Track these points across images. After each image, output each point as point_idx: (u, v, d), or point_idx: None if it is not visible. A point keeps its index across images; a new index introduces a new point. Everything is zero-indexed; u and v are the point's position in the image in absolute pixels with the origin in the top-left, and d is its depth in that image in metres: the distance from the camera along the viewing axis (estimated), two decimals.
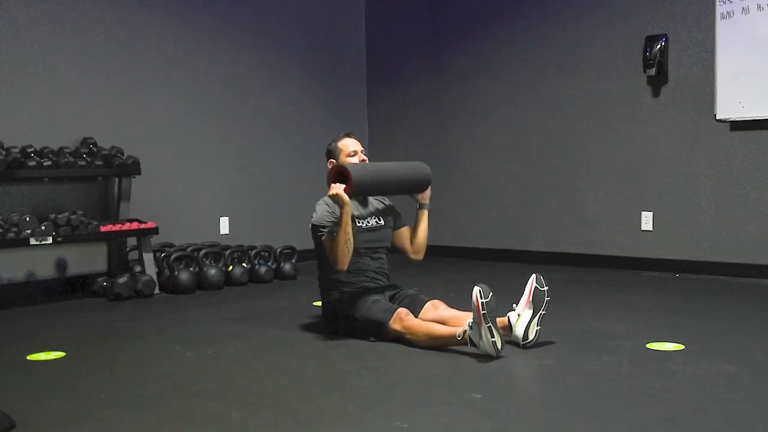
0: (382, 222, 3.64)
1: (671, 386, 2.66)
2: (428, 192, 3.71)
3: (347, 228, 3.32)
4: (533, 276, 3.18)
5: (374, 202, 3.69)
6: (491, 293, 2.97)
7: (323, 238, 3.41)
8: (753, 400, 2.50)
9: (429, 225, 3.74)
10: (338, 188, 3.30)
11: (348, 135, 3.69)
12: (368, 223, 3.58)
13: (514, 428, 2.30)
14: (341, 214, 3.30)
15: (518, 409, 2.49)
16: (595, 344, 3.27)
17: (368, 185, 3.45)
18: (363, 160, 3.61)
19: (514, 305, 3.21)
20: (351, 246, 3.35)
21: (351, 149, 3.60)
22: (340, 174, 3.36)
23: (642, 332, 3.46)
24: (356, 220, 3.52)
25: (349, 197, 3.31)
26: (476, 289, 2.96)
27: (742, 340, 3.33)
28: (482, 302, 2.93)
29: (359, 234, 3.50)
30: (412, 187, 3.67)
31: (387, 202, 3.77)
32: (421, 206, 3.70)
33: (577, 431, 2.26)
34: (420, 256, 3.74)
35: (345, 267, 3.38)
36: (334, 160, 3.61)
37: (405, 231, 3.74)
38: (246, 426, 2.35)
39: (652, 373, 2.81)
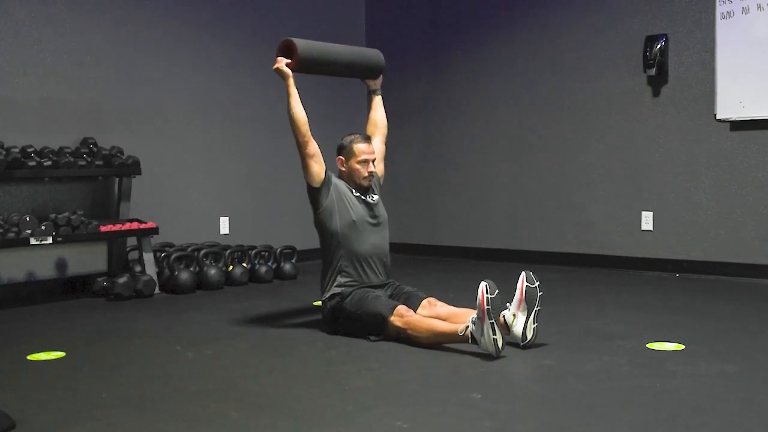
0: (377, 197, 3.71)
1: (671, 386, 2.66)
2: (379, 79, 3.90)
3: (294, 94, 3.51)
4: (522, 274, 3.18)
5: (372, 202, 3.70)
6: (497, 290, 2.98)
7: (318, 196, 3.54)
8: (753, 400, 2.50)
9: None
10: (282, 62, 3.53)
11: (367, 140, 3.69)
12: (372, 198, 3.66)
13: (514, 428, 2.30)
14: (286, 86, 3.51)
15: (518, 409, 2.49)
16: (595, 344, 3.27)
17: (316, 61, 3.58)
18: (371, 173, 3.63)
19: (508, 305, 3.20)
20: (302, 112, 3.54)
21: (363, 157, 3.61)
22: (288, 48, 3.46)
23: (642, 332, 3.46)
24: (369, 217, 3.59)
25: (294, 71, 3.52)
26: (483, 285, 2.97)
27: (742, 340, 3.33)
28: (488, 297, 2.93)
29: (368, 233, 3.56)
30: (364, 71, 3.78)
31: (376, 197, 3.78)
32: (374, 92, 3.93)
33: (577, 431, 2.26)
34: (385, 131, 3.93)
35: (304, 129, 3.54)
36: (343, 159, 3.63)
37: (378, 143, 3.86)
38: (246, 426, 2.35)
39: (652, 373, 2.81)
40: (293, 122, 3.54)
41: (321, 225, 3.59)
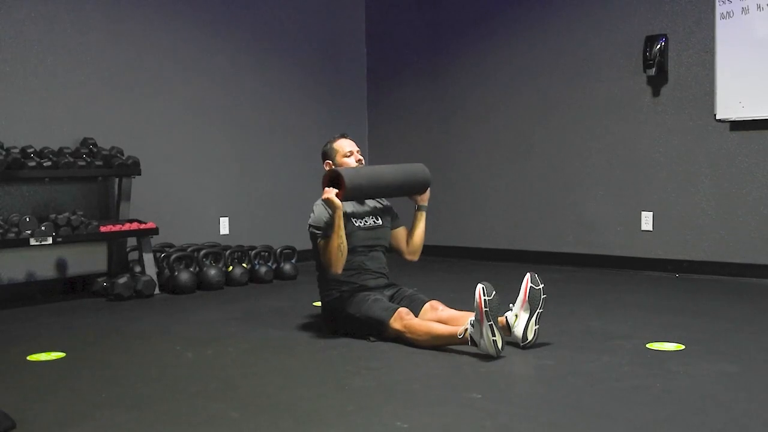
0: (380, 221, 3.64)
1: (671, 386, 2.66)
2: (427, 194, 3.70)
3: (340, 232, 3.33)
4: (528, 275, 3.18)
5: (372, 202, 3.69)
6: (494, 292, 2.97)
7: (318, 240, 3.42)
8: (753, 400, 2.50)
9: (428, 225, 3.74)
10: (331, 193, 3.31)
11: (343, 136, 3.70)
12: (366, 222, 3.58)
13: (514, 428, 2.30)
14: (333, 218, 3.32)
15: (518, 409, 2.49)
16: (595, 344, 3.27)
17: (363, 189, 3.44)
18: (359, 161, 3.62)
19: (510, 305, 3.21)
20: (344, 250, 3.36)
21: (347, 149, 3.61)
22: (334, 178, 3.36)
23: (642, 332, 3.46)
24: (353, 220, 3.53)
25: (343, 201, 3.33)
26: (479, 287, 2.96)
27: (742, 340, 3.33)
28: (485, 299, 2.93)
29: (357, 232, 3.51)
30: (410, 190, 3.66)
31: (385, 202, 3.77)
32: (419, 208, 3.70)
33: (578, 431, 2.26)
34: (416, 257, 3.75)
35: (339, 270, 3.38)
36: (330, 162, 3.61)
37: (402, 231, 3.74)
38: (246, 426, 2.35)
39: (652, 374, 2.81)
40: (333, 258, 3.34)
41: (316, 247, 3.51)
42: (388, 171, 3.61)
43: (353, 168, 3.51)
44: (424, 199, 3.71)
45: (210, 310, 4.32)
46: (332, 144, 3.65)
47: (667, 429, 2.25)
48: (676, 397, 2.54)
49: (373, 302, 3.38)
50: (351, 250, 3.46)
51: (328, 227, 3.36)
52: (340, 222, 3.32)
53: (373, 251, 3.58)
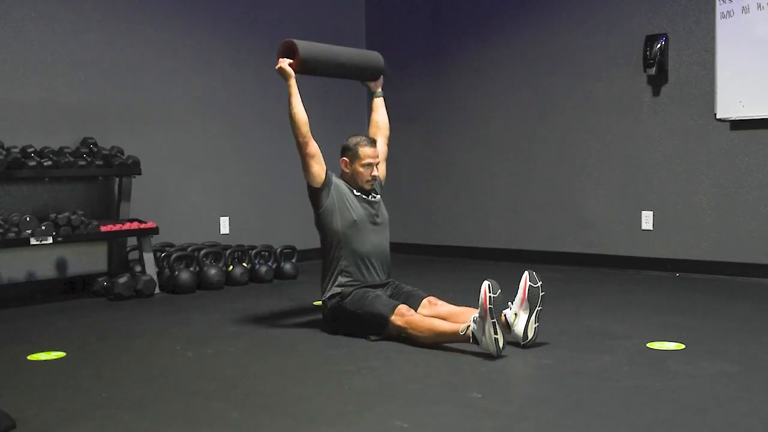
0: (378, 196, 3.71)
1: (672, 386, 2.66)
2: (380, 80, 3.94)
3: (295, 93, 3.52)
4: (526, 273, 3.18)
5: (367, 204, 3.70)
6: (500, 290, 2.98)
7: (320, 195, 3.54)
8: (754, 399, 2.50)
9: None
10: (283, 62, 3.55)
11: (372, 144, 3.67)
12: (373, 197, 3.66)
13: (514, 428, 2.30)
14: (288, 86, 3.52)
15: (518, 408, 2.49)
16: (595, 344, 3.27)
17: (317, 62, 3.62)
18: (374, 176, 3.63)
19: (509, 304, 3.21)
20: (303, 113, 3.54)
21: (367, 161, 3.60)
22: (290, 49, 3.53)
23: (642, 332, 3.45)
24: (369, 218, 3.59)
25: (296, 72, 3.53)
26: (485, 284, 2.97)
27: (742, 340, 3.33)
28: (490, 296, 2.94)
29: (370, 232, 3.57)
30: (364, 72, 3.85)
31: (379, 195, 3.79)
32: (374, 93, 3.96)
33: (578, 431, 2.26)
34: (387, 132, 3.94)
35: (304, 130, 3.53)
36: (347, 159, 3.62)
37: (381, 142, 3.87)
38: (246, 425, 2.35)
39: (652, 373, 2.81)
40: (294, 122, 3.55)
41: (322, 225, 3.59)
42: (344, 50, 3.83)
43: (309, 42, 3.65)
44: (378, 85, 3.95)
45: (210, 309, 4.32)
46: (357, 147, 3.62)
47: (667, 429, 2.25)
48: (676, 397, 2.54)
49: (374, 299, 3.39)
50: (362, 248, 3.53)
51: (289, 96, 3.51)
52: (293, 90, 3.52)
53: (379, 251, 3.60)
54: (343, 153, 3.66)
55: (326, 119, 6.52)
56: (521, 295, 3.16)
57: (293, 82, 3.54)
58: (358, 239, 3.53)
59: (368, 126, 3.98)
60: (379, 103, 3.97)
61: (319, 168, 3.54)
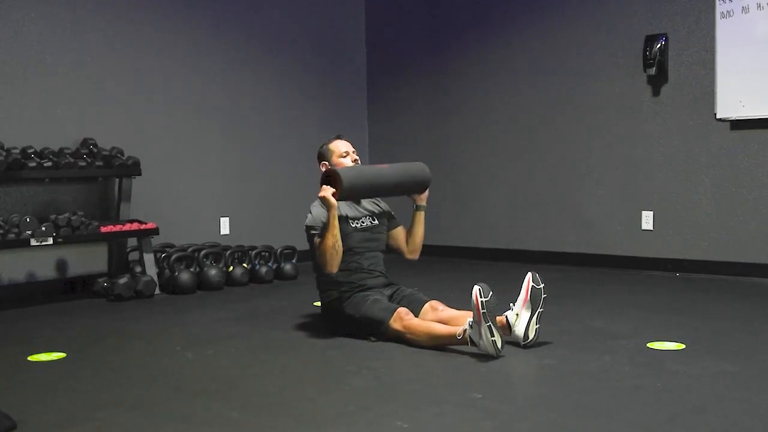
0: (377, 222, 3.65)
1: (672, 386, 2.66)
2: (426, 194, 3.70)
3: (335, 231, 3.32)
4: (529, 274, 3.18)
5: (368, 204, 3.69)
6: (491, 292, 2.98)
7: (315, 239, 3.42)
8: (754, 399, 2.50)
9: (429, 224, 3.74)
10: (326, 191, 3.31)
11: (338, 137, 3.71)
12: (362, 223, 3.59)
13: (514, 428, 2.30)
14: (328, 217, 3.31)
15: (519, 408, 2.49)
16: (595, 344, 3.27)
17: (360, 189, 3.42)
18: (355, 161, 3.64)
19: (511, 304, 3.21)
20: (339, 249, 3.35)
21: (342, 150, 3.62)
22: (331, 177, 3.36)
23: (643, 332, 3.45)
24: (350, 221, 3.54)
25: (340, 200, 3.33)
26: (476, 288, 2.96)
27: (743, 340, 3.33)
28: (482, 301, 2.93)
29: (354, 234, 3.52)
30: (409, 189, 3.64)
31: (382, 204, 3.77)
32: (418, 208, 3.70)
33: (578, 431, 2.26)
34: (416, 256, 3.75)
35: (334, 270, 3.38)
36: (326, 162, 3.62)
37: (400, 231, 3.74)
38: (246, 426, 2.35)
39: (652, 373, 2.81)
40: (328, 256, 3.33)
41: (313, 248, 3.52)
42: (387, 170, 3.57)
43: (351, 167, 3.50)
44: (423, 198, 3.70)
45: (210, 310, 4.32)
46: (328, 145, 3.66)
47: (667, 428, 2.25)
48: (676, 397, 2.54)
49: (373, 303, 3.38)
50: (348, 251, 3.47)
51: (324, 227, 3.35)
52: (334, 221, 3.32)
53: (370, 252, 3.58)
54: (319, 160, 3.64)
55: (326, 119, 6.52)
56: (524, 295, 3.16)
57: (335, 213, 3.30)
58: (351, 244, 3.51)
59: (406, 236, 3.73)
60: (419, 219, 3.68)
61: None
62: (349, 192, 3.36)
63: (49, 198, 4.82)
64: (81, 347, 3.45)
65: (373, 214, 3.65)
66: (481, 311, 2.93)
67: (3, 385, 2.85)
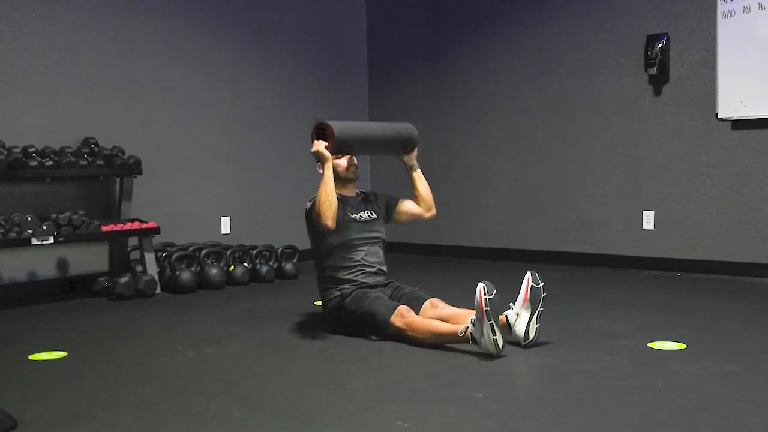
0: (374, 215, 3.67)
1: (673, 385, 2.66)
2: (414, 152, 3.77)
3: (329, 182, 3.36)
4: (528, 274, 3.18)
5: (367, 204, 3.69)
6: (495, 290, 2.98)
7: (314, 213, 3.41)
8: (755, 399, 2.50)
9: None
10: (319, 145, 3.39)
11: None
12: (361, 216, 3.61)
13: (515, 427, 2.30)
14: (323, 168, 3.38)
15: (519, 408, 2.49)
16: (596, 343, 3.27)
17: (351, 141, 3.50)
18: (352, 162, 3.64)
19: (511, 304, 3.21)
20: (334, 201, 3.37)
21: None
22: (322, 131, 3.42)
23: (644, 331, 3.45)
24: (349, 212, 3.57)
25: (332, 153, 3.41)
26: (480, 286, 2.96)
27: (744, 340, 3.33)
28: (486, 299, 2.93)
29: (353, 225, 3.55)
30: (397, 143, 3.71)
31: (379, 201, 3.77)
32: (412, 167, 3.77)
33: (579, 430, 2.26)
34: (433, 211, 3.83)
35: (329, 223, 3.36)
36: (321, 162, 3.61)
37: (407, 202, 3.79)
38: (247, 425, 2.35)
39: (653, 373, 2.81)
40: (323, 207, 3.33)
41: (314, 238, 3.58)
42: (376, 126, 3.75)
43: (341, 121, 3.54)
44: (413, 157, 3.77)
45: (211, 309, 4.32)
46: None
47: (668, 428, 2.25)
48: (677, 396, 2.54)
49: (374, 299, 3.39)
50: (348, 244, 3.51)
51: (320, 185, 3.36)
52: (329, 172, 3.38)
53: (369, 245, 3.59)
54: (317, 161, 3.63)
55: (326, 118, 6.51)
56: (523, 295, 3.16)
57: (330, 164, 3.38)
58: (351, 235, 3.53)
59: (414, 198, 3.80)
60: (418, 177, 3.76)
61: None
62: (342, 142, 3.43)
63: (50, 197, 4.82)
64: (82, 346, 3.45)
65: (369, 208, 3.68)
66: (484, 309, 2.93)
67: (4, 384, 2.85)
